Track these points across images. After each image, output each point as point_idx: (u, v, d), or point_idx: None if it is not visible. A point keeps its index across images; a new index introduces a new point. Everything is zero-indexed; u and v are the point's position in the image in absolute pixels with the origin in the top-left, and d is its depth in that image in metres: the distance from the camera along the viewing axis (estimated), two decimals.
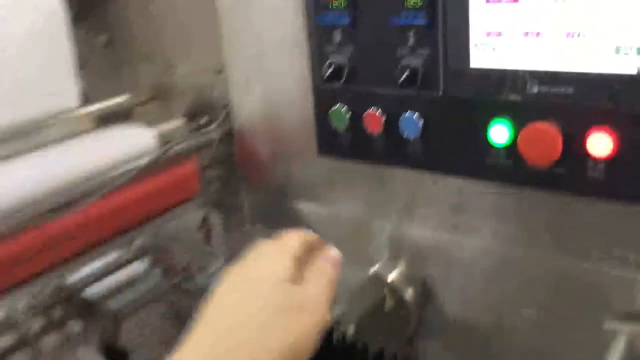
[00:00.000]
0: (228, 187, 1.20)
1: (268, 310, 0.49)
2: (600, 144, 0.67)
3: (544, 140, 0.69)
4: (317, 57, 0.89)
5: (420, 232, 0.96)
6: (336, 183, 1.04)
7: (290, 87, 1.01)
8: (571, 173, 0.71)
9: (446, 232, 0.93)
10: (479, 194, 0.87)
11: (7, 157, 0.97)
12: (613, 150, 0.67)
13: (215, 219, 1.25)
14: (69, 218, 0.90)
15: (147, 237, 1.21)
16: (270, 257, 0.56)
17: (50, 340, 1.01)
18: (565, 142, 0.68)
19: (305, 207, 1.09)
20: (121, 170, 0.96)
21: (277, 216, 1.16)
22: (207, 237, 1.28)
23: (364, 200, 1.01)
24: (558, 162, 0.70)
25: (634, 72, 0.63)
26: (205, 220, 1.25)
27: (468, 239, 0.91)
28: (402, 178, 0.94)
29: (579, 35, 0.65)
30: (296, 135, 1.04)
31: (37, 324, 1.01)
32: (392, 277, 0.98)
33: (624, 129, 0.66)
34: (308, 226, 1.09)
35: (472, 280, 0.93)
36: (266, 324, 0.48)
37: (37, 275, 0.90)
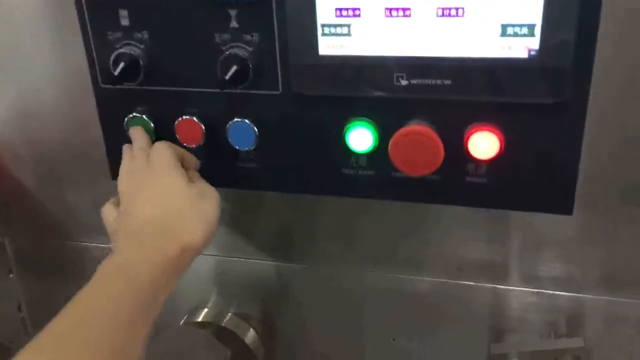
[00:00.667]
0: None
1: (184, 202, 0.60)
2: (483, 144, 0.56)
3: (423, 146, 0.55)
4: (98, 47, 0.64)
5: (249, 263, 0.78)
6: None
7: (58, 88, 0.74)
8: (449, 180, 0.59)
9: (277, 260, 0.77)
10: (312, 214, 0.73)
11: None
12: (498, 150, 0.56)
13: None
14: None
15: None
16: (166, 170, 0.61)
17: None
18: (443, 145, 0.56)
19: (94, 247, 0.83)
20: None
21: (53, 260, 0.88)
22: None
23: None
24: (437, 170, 0.57)
25: (523, 55, 0.52)
26: None
27: (303, 265, 0.76)
28: (228, 200, 0.74)
29: (457, 12, 0.52)
30: (74, 154, 0.77)
31: None
32: (224, 321, 0.79)
33: (511, 124, 0.55)
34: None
35: (311, 305, 0.78)
36: (185, 210, 0.59)
37: None
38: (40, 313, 0.82)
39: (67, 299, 0.52)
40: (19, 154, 0.81)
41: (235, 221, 0.75)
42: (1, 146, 0.81)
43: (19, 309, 0.95)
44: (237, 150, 0.64)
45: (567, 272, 0.66)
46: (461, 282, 0.70)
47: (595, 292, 0.66)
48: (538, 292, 0.67)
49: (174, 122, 0.64)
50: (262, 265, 0.77)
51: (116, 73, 0.62)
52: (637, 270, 0.64)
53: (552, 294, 0.67)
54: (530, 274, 0.67)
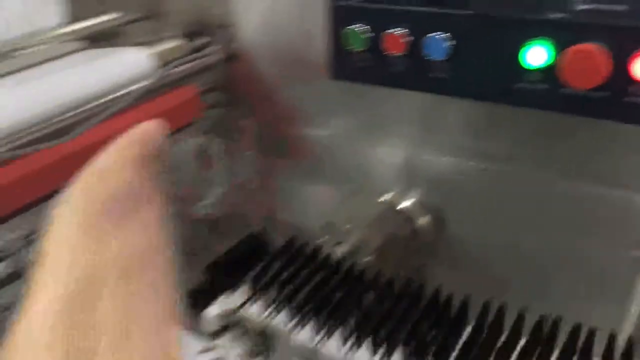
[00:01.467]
0: (229, 112, 1.14)
1: None
2: None
3: (592, 63, 0.63)
4: None
5: (435, 159, 0.92)
6: (347, 109, 0.98)
7: (298, 3, 0.94)
8: (612, 98, 0.66)
9: (461, 158, 0.90)
10: (495, 119, 0.84)
11: None
12: None
13: (215, 146, 1.20)
14: (65, 145, 0.84)
15: None
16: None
17: None
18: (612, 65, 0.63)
19: (313, 133, 1.04)
20: (119, 94, 0.89)
21: (281, 143, 1.11)
22: (206, 165, 1.22)
23: (376, 126, 0.96)
24: (600, 86, 0.65)
25: None
26: (203, 147, 1.19)
27: (483, 164, 0.88)
28: (419, 102, 0.89)
29: None
30: (305, 57, 0.97)
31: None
32: (404, 205, 0.95)
33: None
34: (314, 154, 1.05)
35: (486, 206, 0.91)
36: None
37: (33, 203, 0.85)
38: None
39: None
40: (264, 55, 1.04)
41: (426, 122, 0.90)
42: (254, 49, 1.05)
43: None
44: (431, 60, 0.78)
45: None
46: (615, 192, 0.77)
47: None
48: None
49: (383, 34, 0.80)
50: (445, 161, 0.91)
51: None
52: None
53: None
54: None
